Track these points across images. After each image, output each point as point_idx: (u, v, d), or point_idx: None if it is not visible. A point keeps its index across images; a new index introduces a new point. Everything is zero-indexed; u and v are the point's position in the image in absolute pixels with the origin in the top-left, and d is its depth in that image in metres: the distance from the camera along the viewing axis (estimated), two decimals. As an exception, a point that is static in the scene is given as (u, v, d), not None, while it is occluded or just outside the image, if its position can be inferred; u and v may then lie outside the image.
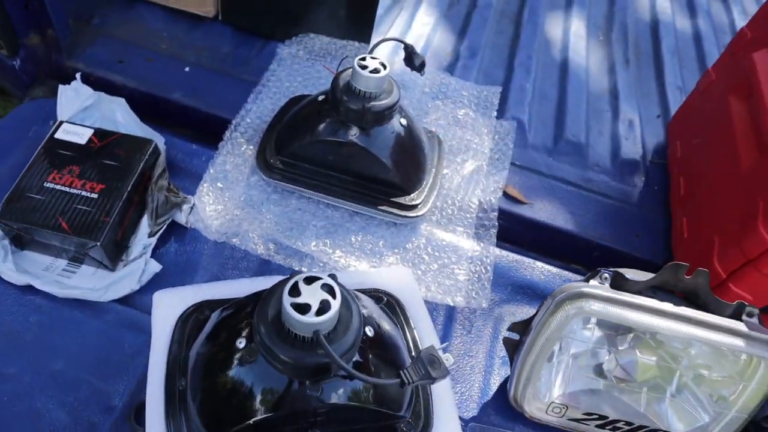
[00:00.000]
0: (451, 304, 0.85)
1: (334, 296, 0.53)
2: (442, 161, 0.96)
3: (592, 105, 1.22)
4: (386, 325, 0.65)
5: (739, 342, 0.68)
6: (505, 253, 0.92)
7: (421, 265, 0.87)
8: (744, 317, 0.70)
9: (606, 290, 0.68)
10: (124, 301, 0.78)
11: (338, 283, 0.56)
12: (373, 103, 0.82)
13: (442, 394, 0.68)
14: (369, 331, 0.61)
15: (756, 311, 0.70)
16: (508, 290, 0.89)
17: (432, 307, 0.85)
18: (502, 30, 1.33)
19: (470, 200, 0.93)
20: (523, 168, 1.05)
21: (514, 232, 0.99)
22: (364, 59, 0.82)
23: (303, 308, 0.52)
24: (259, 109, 1.00)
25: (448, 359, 0.58)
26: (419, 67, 0.91)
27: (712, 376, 0.74)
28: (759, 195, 0.80)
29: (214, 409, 0.59)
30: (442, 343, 0.74)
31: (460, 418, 0.75)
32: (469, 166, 0.99)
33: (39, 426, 0.68)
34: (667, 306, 0.68)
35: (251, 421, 0.57)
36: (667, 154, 1.13)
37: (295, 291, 0.53)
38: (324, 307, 0.52)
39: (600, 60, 1.34)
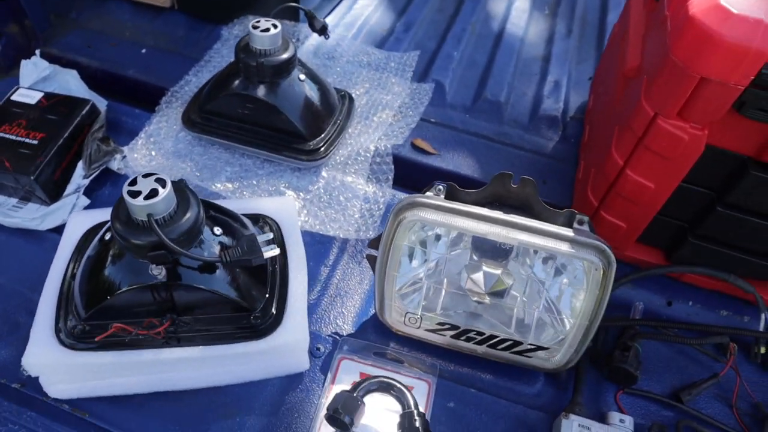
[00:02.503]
0: (343, 237, 0.94)
1: (164, 187, 0.65)
2: (350, 115, 1.06)
3: (521, 69, 1.28)
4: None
5: (564, 246, 0.73)
6: (402, 195, 1.00)
7: (320, 204, 0.97)
8: (575, 225, 0.76)
9: (439, 200, 0.75)
10: (58, 230, 0.92)
11: (181, 183, 0.68)
12: (267, 58, 0.94)
13: (297, 296, 0.78)
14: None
15: (586, 219, 0.75)
16: (402, 226, 0.97)
17: (326, 239, 0.94)
18: (444, 8, 1.42)
19: (369, 147, 1.03)
20: (438, 124, 1.13)
21: (421, 180, 1.06)
22: (258, 21, 0.94)
23: (136, 194, 0.64)
24: (198, 81, 1.14)
25: (274, 249, 0.69)
26: (321, 30, 1.02)
27: (562, 288, 0.79)
28: (616, 123, 0.86)
29: (87, 291, 0.71)
30: (308, 262, 0.84)
31: (338, 335, 0.84)
32: (377, 120, 1.08)
33: (-24, 323, 0.83)
34: (497, 213, 0.74)
35: (109, 297, 0.69)
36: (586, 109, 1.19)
37: (133, 183, 0.65)
38: (153, 194, 0.64)
39: (540, 31, 1.41)
